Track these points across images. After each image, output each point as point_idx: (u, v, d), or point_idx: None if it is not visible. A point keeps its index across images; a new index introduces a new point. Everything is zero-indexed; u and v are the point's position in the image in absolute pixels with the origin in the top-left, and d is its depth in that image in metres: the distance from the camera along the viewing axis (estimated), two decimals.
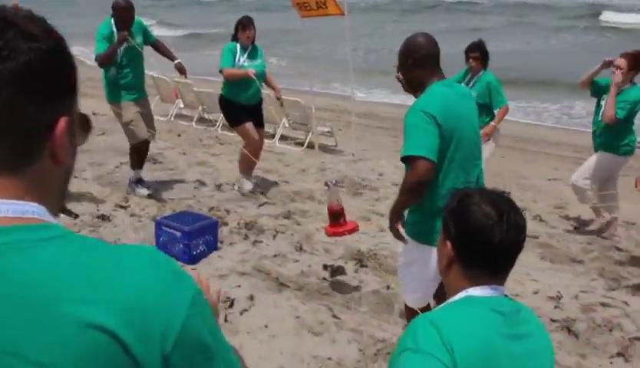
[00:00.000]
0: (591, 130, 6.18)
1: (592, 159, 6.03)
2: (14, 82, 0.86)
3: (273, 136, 10.19)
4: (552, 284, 4.93)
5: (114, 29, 6.23)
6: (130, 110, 6.42)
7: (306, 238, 5.61)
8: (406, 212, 3.40)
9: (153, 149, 8.70)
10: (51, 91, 0.90)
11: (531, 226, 6.37)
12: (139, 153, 6.81)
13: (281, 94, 7.12)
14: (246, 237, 5.61)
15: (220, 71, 6.66)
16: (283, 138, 10.03)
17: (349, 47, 9.59)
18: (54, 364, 0.82)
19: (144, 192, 6.65)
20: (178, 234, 5.07)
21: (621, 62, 5.64)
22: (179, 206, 6.29)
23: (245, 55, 6.70)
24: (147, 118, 6.71)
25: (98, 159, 7.96)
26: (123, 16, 6.22)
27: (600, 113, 5.86)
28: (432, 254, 2.98)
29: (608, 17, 31.64)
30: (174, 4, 46.15)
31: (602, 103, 5.85)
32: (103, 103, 7.00)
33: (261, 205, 6.54)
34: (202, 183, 7.22)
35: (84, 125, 0.97)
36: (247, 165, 6.96)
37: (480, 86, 6.41)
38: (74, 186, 6.81)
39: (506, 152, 10.62)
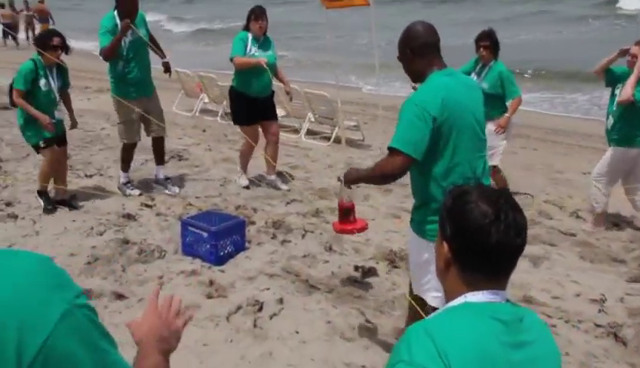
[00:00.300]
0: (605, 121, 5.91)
1: (607, 155, 5.84)
2: None
3: (299, 131, 10.04)
4: (595, 286, 4.71)
5: (118, 22, 6.07)
6: (131, 111, 6.30)
7: (336, 237, 5.44)
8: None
9: (178, 145, 8.66)
10: None
11: (568, 223, 6.22)
12: (156, 150, 6.73)
13: (290, 88, 6.94)
14: (274, 236, 5.47)
15: (231, 60, 6.53)
16: (309, 133, 9.87)
17: (374, 39, 9.36)
18: None
19: (136, 192, 6.51)
20: (204, 234, 4.94)
21: (637, 50, 5.48)
22: (205, 205, 6.16)
23: (257, 45, 6.57)
24: (156, 112, 6.56)
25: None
26: (128, 7, 6.08)
27: (615, 103, 5.66)
28: None
29: (626, 4, 30.65)
30: None
31: (617, 92, 5.66)
32: None
33: (288, 203, 6.40)
34: (229, 180, 7.09)
35: None
36: (246, 161, 6.96)
37: (491, 76, 6.28)
38: (99, 183, 6.74)
39: (538, 144, 10.38)
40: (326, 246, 5.28)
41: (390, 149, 3.04)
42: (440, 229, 1.62)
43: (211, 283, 4.63)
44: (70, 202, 6.10)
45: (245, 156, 6.97)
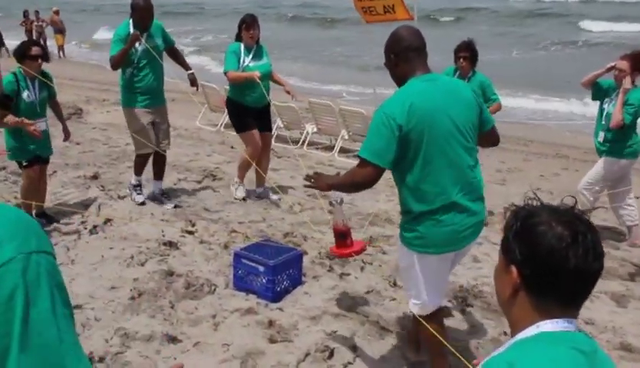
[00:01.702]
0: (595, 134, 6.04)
1: (599, 165, 5.92)
2: None
3: (330, 148, 9.64)
4: None
5: (131, 30, 5.92)
6: (143, 119, 6.14)
7: (397, 269, 4.98)
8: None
9: (208, 163, 8.28)
10: None
11: (638, 253, 5.77)
12: (156, 164, 6.53)
13: (290, 87, 6.71)
14: (331, 269, 5.04)
15: (225, 74, 6.36)
16: (342, 151, 9.45)
17: None
18: None
19: (140, 198, 6.39)
20: (261, 268, 4.51)
21: (623, 64, 5.58)
22: (250, 231, 5.74)
23: (250, 55, 6.37)
24: (163, 127, 6.38)
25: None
26: (142, 16, 5.94)
27: (604, 116, 5.78)
28: (420, 260, 3.15)
29: (588, 25, 30.03)
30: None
31: (605, 106, 5.80)
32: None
33: None
34: (270, 203, 6.66)
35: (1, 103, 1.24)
36: (245, 172, 6.79)
37: (473, 86, 6.30)
38: (134, 205, 6.30)
39: (579, 165, 9.92)
40: (390, 280, 4.85)
41: (359, 157, 3.03)
42: (504, 254, 1.49)
43: (271, 324, 4.19)
44: (49, 215, 5.96)
45: (245, 167, 6.73)
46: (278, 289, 4.55)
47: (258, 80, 6.18)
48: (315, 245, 5.49)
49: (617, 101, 5.56)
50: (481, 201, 3.21)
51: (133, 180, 6.50)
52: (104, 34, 25.47)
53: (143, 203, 6.38)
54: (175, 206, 6.36)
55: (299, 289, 4.68)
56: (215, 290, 4.65)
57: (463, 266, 5.21)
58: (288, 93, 6.68)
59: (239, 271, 4.67)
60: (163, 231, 5.65)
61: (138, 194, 6.45)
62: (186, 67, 6.54)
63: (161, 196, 6.57)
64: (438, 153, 2.97)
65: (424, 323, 3.29)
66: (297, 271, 4.75)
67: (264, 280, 4.51)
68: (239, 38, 6.41)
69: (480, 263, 5.33)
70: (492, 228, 6.25)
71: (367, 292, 4.67)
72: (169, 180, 7.30)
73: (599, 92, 5.93)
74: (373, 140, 2.99)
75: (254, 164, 6.49)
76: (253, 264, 4.55)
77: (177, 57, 6.54)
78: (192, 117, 11.91)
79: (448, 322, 4.30)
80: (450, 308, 4.44)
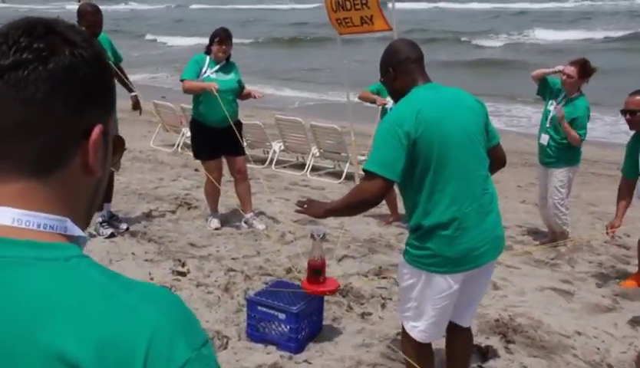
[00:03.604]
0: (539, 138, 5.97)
1: (557, 180, 5.85)
2: (52, 82, 0.82)
3: (300, 167, 9.16)
4: None
5: None
6: None
7: None
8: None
9: (177, 189, 7.67)
10: (88, 97, 0.86)
11: None
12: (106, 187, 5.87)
13: (250, 89, 6.27)
14: (350, 308, 4.56)
15: (181, 81, 5.83)
16: (313, 169, 8.99)
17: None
18: None
19: (107, 231, 5.85)
20: (281, 315, 3.99)
21: (572, 70, 5.64)
22: (247, 268, 5.18)
23: (216, 68, 5.86)
24: None
25: (122, 207, 6.75)
26: (90, 21, 5.42)
27: (548, 119, 5.82)
28: (428, 280, 2.89)
29: (541, 34, 31.02)
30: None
31: (550, 108, 5.82)
32: None
33: (340, 260, 5.49)
34: (259, 233, 6.11)
35: (117, 146, 0.84)
36: (213, 203, 6.31)
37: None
38: (111, 247, 5.64)
39: None
40: None
41: (365, 171, 2.86)
42: None
43: None
44: None
45: (211, 196, 6.26)
46: (300, 337, 4.04)
47: (215, 92, 5.56)
48: None
49: (563, 124, 5.58)
50: (496, 214, 2.99)
51: (98, 217, 5.89)
52: None
53: (112, 235, 5.82)
54: (127, 228, 6.00)
55: (322, 336, 4.18)
56: (227, 342, 4.09)
57: (487, 295, 4.85)
58: (250, 95, 6.14)
59: (253, 320, 4.13)
60: (150, 274, 5.02)
61: (105, 228, 5.87)
62: (129, 88, 6.07)
63: (112, 219, 6.05)
64: (448, 162, 2.81)
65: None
66: (319, 315, 4.25)
67: (285, 329, 3.99)
68: (208, 52, 5.90)
69: (502, 290, 4.98)
70: None
71: (399, 334, 4.21)
72: (140, 211, 6.66)
73: (546, 89, 5.95)
74: (380, 151, 2.83)
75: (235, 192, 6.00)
76: (272, 312, 4.02)
77: (122, 77, 6.00)
78: (142, 138, 11.19)
79: (496, 363, 3.92)
80: (494, 347, 4.05)
